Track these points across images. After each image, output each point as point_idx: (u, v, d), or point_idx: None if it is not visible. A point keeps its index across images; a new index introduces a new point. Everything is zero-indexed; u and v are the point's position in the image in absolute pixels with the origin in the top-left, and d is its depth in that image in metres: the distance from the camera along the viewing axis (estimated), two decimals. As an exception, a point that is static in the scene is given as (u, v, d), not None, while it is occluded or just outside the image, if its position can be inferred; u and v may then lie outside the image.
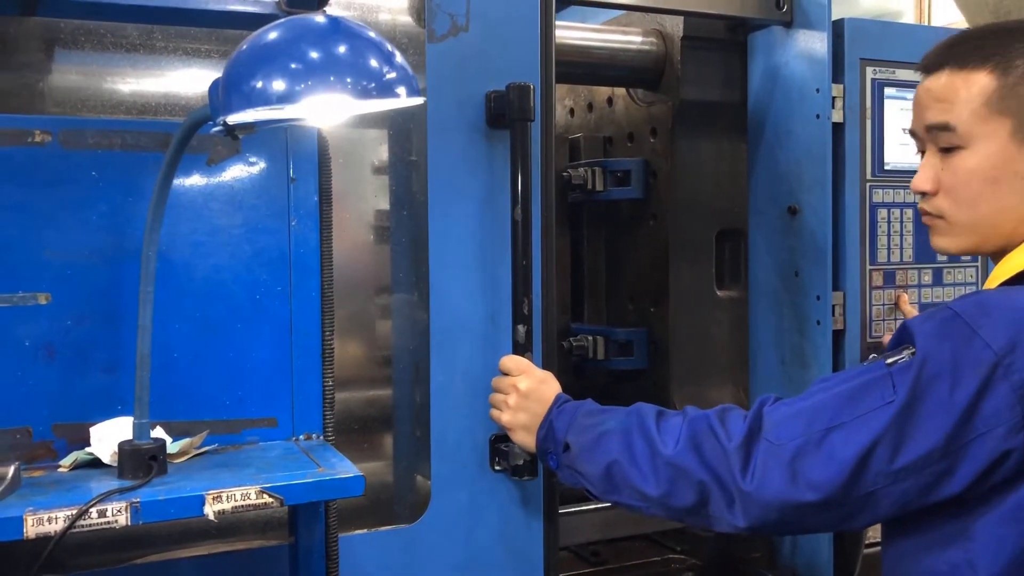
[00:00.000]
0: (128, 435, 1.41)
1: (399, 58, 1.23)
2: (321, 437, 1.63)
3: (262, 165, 1.60)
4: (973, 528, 1.23)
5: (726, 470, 1.34)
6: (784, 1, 2.05)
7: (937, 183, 1.37)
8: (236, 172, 1.59)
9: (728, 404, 1.46)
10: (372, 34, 1.23)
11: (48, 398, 1.48)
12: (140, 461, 1.38)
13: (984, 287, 1.37)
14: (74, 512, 1.24)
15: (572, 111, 2.61)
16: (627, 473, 1.45)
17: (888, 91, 2.05)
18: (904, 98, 2.04)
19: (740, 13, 2.08)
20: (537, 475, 1.73)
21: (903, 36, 2.07)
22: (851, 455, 1.24)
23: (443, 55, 1.69)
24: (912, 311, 2.04)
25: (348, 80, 1.16)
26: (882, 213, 2.06)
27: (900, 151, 2.05)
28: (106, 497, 1.27)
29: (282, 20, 1.24)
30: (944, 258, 2.11)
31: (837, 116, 2.00)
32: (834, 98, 1.99)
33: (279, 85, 1.15)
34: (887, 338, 1.88)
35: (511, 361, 1.69)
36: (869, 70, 2.04)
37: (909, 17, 5.78)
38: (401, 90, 1.21)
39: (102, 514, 1.26)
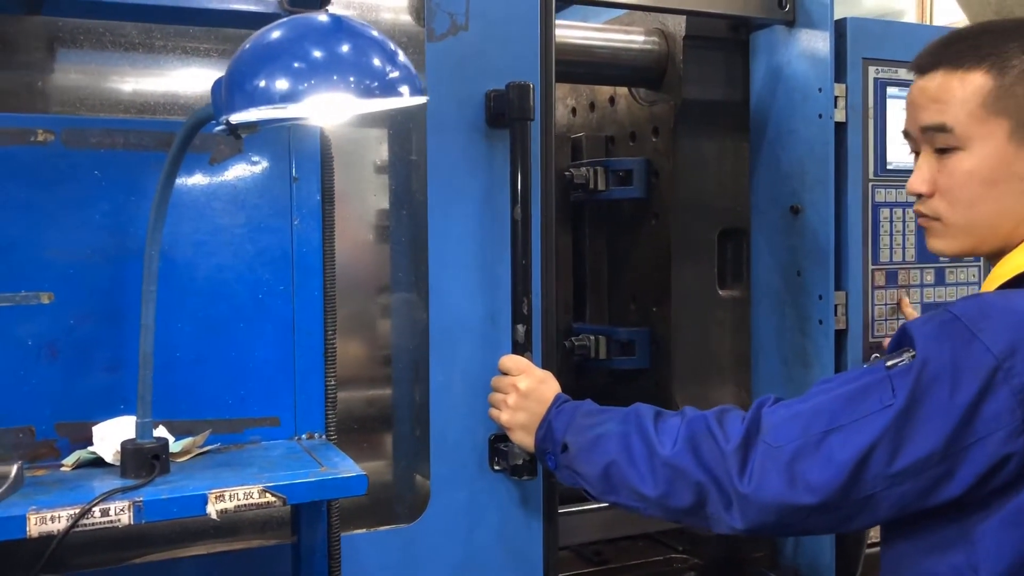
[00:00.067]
0: (131, 434, 1.41)
1: (402, 57, 1.23)
2: (323, 436, 1.63)
3: (265, 164, 1.60)
4: (974, 532, 1.23)
5: (723, 472, 1.34)
6: (786, 0, 2.05)
7: (933, 185, 1.36)
8: (238, 171, 1.59)
9: (727, 405, 1.45)
10: (375, 33, 1.23)
11: (51, 397, 1.48)
12: (143, 460, 1.38)
13: (982, 289, 1.36)
14: (77, 511, 1.24)
15: (574, 110, 2.61)
16: (625, 474, 1.45)
17: (891, 90, 2.05)
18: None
19: (742, 12, 2.07)
20: (536, 475, 1.73)
21: (905, 35, 2.07)
22: (849, 458, 1.23)
23: (443, 54, 1.69)
24: (913, 313, 2.04)
25: (351, 79, 1.16)
26: (884, 213, 2.06)
27: (902, 151, 2.04)
28: (109, 496, 1.27)
29: (285, 19, 1.24)
30: (946, 258, 2.11)
31: (839, 116, 2.00)
32: (836, 98, 1.99)
33: (282, 84, 1.15)
34: (886, 342, 1.88)
35: (510, 361, 1.69)
36: (871, 69, 2.03)
37: (911, 16, 5.78)
38: (404, 89, 1.21)
39: (105, 513, 1.26)
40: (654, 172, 2.31)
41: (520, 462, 1.70)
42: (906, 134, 1.42)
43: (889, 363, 1.25)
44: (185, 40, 1.69)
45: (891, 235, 2.06)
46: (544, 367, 1.73)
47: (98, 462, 1.45)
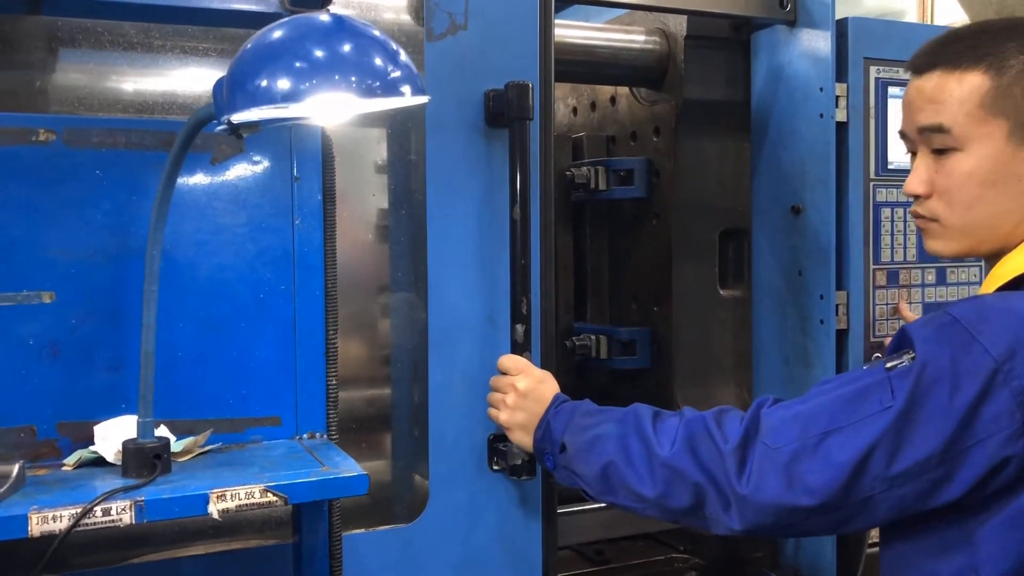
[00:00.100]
0: (132, 434, 1.41)
1: (403, 56, 1.23)
2: (324, 436, 1.63)
3: (266, 164, 1.60)
4: (976, 534, 1.22)
5: (722, 472, 1.33)
6: (787, 0, 2.05)
7: (931, 186, 1.35)
8: (240, 171, 1.59)
9: (726, 406, 1.45)
10: (376, 33, 1.23)
11: (52, 396, 1.48)
12: (144, 460, 1.38)
13: (981, 290, 1.35)
14: (79, 511, 1.24)
15: (575, 110, 2.61)
16: (623, 474, 1.44)
17: (892, 90, 2.04)
18: (908, 97, 2.03)
19: (744, 12, 2.07)
20: (535, 475, 1.73)
21: (907, 35, 2.07)
22: (848, 460, 1.23)
23: (442, 54, 1.68)
24: (912, 316, 2.04)
25: (353, 79, 1.16)
26: (886, 212, 2.06)
27: (904, 150, 2.05)
28: (111, 496, 1.27)
29: (286, 19, 1.24)
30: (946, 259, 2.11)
31: (841, 115, 2.00)
32: (838, 97, 1.99)
33: (284, 84, 1.15)
34: (886, 342, 1.88)
35: (509, 360, 1.68)
36: (873, 69, 2.03)
37: (912, 16, 5.78)
38: (406, 88, 1.21)
39: (106, 513, 1.26)
40: (655, 172, 2.31)
41: (519, 462, 1.69)
42: (902, 135, 1.41)
43: (889, 365, 1.25)
44: (183, 39, 1.69)
45: (892, 235, 2.06)
46: (543, 367, 1.73)
47: (100, 461, 1.45)
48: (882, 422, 1.22)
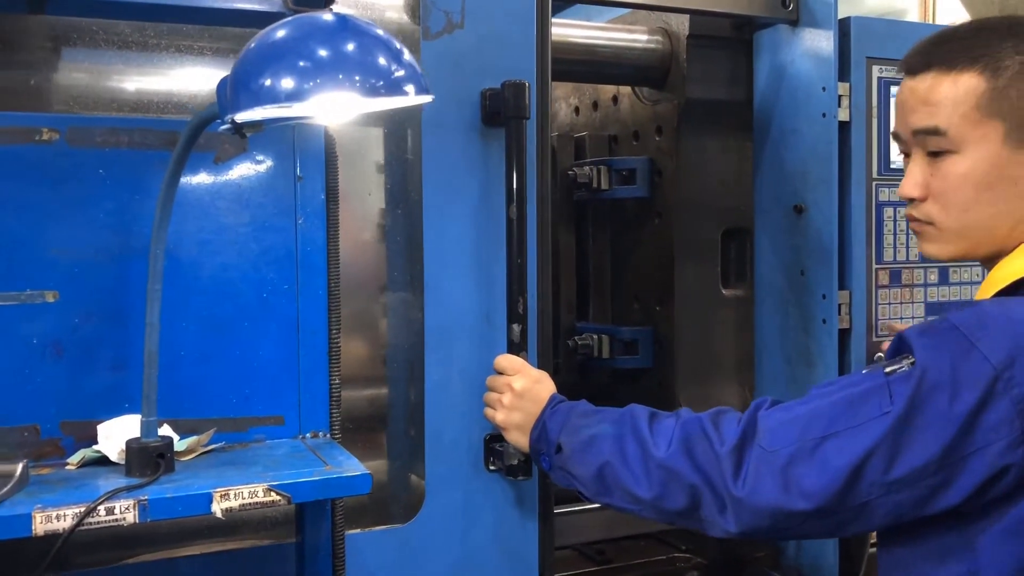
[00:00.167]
0: (135, 433, 1.41)
1: (407, 56, 1.23)
2: (327, 435, 1.63)
3: (269, 163, 1.60)
4: (976, 541, 1.21)
5: (718, 474, 1.32)
6: (790, 0, 2.05)
7: (926, 189, 1.33)
8: (243, 170, 1.59)
9: (723, 407, 1.44)
10: (380, 32, 1.23)
11: (56, 396, 1.48)
12: (147, 459, 1.38)
13: (977, 295, 1.34)
14: (82, 510, 1.24)
15: (577, 109, 2.61)
16: (619, 475, 1.43)
17: (894, 90, 2.04)
18: (910, 97, 2.03)
19: (746, 11, 2.07)
20: (532, 475, 1.72)
21: (909, 35, 2.05)
22: (845, 464, 1.22)
23: (438, 53, 1.68)
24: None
25: (357, 78, 1.16)
26: (888, 212, 2.06)
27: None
28: (114, 495, 1.28)
29: (290, 18, 1.23)
30: (944, 260, 2.11)
31: (843, 115, 2.00)
32: (840, 97, 1.99)
33: (288, 83, 1.15)
34: (884, 345, 1.87)
35: (506, 360, 1.68)
36: (875, 69, 2.03)
37: (913, 15, 5.78)
38: (410, 88, 1.21)
39: (110, 512, 1.26)
40: (657, 171, 2.31)
41: (515, 462, 1.69)
42: (896, 136, 1.39)
43: (888, 369, 1.23)
44: (178, 38, 1.68)
45: (895, 234, 2.06)
46: (540, 367, 1.73)
47: (103, 461, 1.45)
48: (880, 427, 1.21)
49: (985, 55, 1.28)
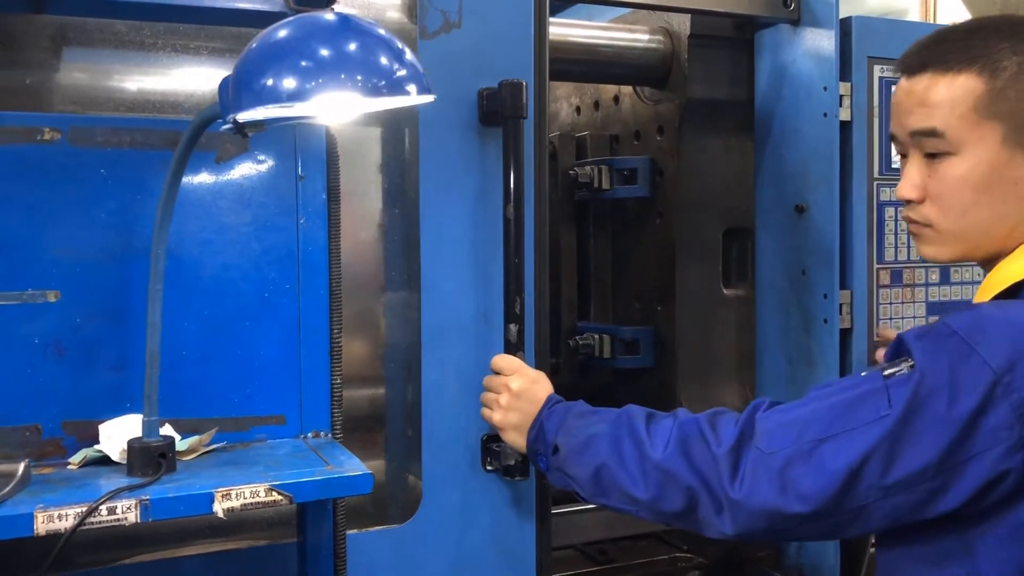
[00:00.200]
0: (137, 432, 1.42)
1: (409, 55, 1.23)
2: (329, 435, 1.63)
3: (271, 163, 1.60)
4: (974, 545, 1.21)
5: (715, 476, 1.32)
6: (791, -1, 2.05)
7: (923, 190, 1.32)
8: (245, 170, 1.59)
9: (720, 408, 1.43)
10: (382, 31, 1.23)
11: (57, 395, 1.48)
12: (149, 458, 1.38)
13: (976, 298, 1.33)
14: (84, 509, 1.24)
15: (578, 109, 2.61)
16: (616, 476, 1.43)
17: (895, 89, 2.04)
18: (912, 97, 2.03)
19: (747, 11, 2.07)
20: (529, 475, 1.72)
21: (911, 34, 2.03)
22: (842, 467, 1.21)
23: (435, 52, 1.68)
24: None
25: (358, 78, 1.16)
26: (889, 212, 2.05)
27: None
28: (116, 494, 1.28)
29: (292, 18, 1.23)
30: (943, 261, 2.10)
31: (844, 114, 1.99)
32: (841, 96, 1.99)
33: (290, 83, 1.15)
34: (880, 352, 1.86)
35: (503, 360, 1.67)
36: (876, 68, 2.03)
37: (914, 15, 5.77)
38: (411, 87, 1.21)
39: (112, 511, 1.26)
40: (658, 171, 2.31)
41: (512, 462, 1.69)
42: (893, 137, 1.38)
43: (886, 372, 1.23)
44: (175, 38, 1.68)
45: (896, 234, 2.06)
46: (537, 367, 1.72)
47: (104, 460, 1.45)
48: (878, 430, 1.20)
49: (983, 55, 1.26)
